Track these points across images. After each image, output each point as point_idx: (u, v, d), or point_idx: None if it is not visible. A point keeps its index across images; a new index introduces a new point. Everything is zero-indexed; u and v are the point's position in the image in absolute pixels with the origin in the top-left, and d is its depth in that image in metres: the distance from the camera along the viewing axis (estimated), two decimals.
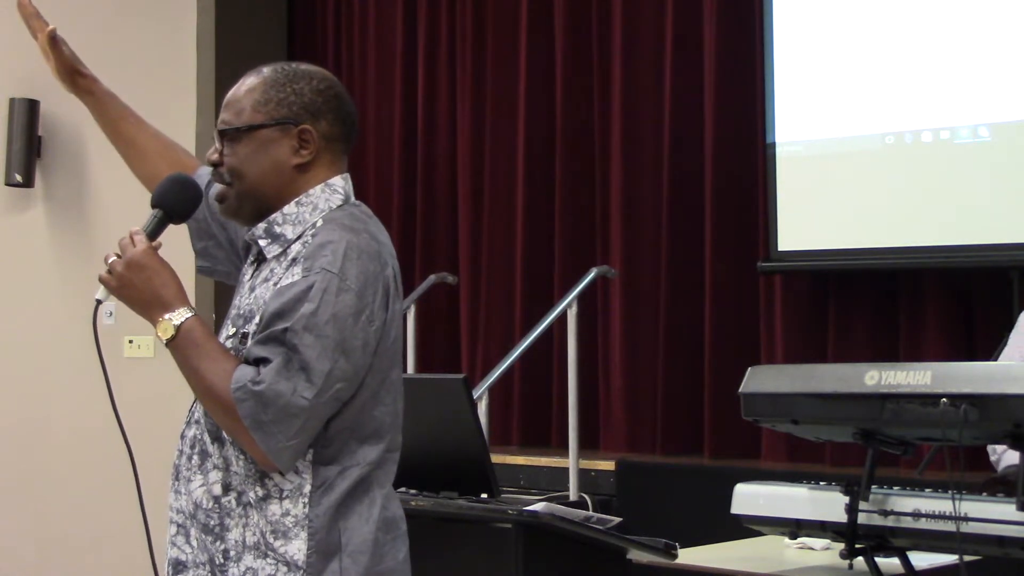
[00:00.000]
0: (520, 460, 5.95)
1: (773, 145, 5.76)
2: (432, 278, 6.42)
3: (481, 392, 5.22)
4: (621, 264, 6.14)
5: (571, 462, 5.42)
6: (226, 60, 6.90)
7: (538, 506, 3.47)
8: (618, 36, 6.37)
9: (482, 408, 5.12)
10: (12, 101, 6.85)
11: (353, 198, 2.39)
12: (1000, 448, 3.62)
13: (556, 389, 6.40)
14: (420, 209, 7.10)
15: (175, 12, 7.00)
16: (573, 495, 5.37)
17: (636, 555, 3.61)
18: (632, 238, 6.27)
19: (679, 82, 6.17)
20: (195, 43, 6.94)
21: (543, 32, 6.71)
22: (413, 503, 3.62)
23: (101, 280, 2.30)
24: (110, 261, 2.30)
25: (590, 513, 3.67)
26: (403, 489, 3.68)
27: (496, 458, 4.18)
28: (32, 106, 6.87)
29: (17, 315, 6.73)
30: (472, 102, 6.92)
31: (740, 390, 3.05)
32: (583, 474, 5.48)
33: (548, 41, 6.70)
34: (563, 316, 5.53)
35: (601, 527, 3.53)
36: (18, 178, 7.03)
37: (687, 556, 3.56)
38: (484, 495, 3.56)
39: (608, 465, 5.70)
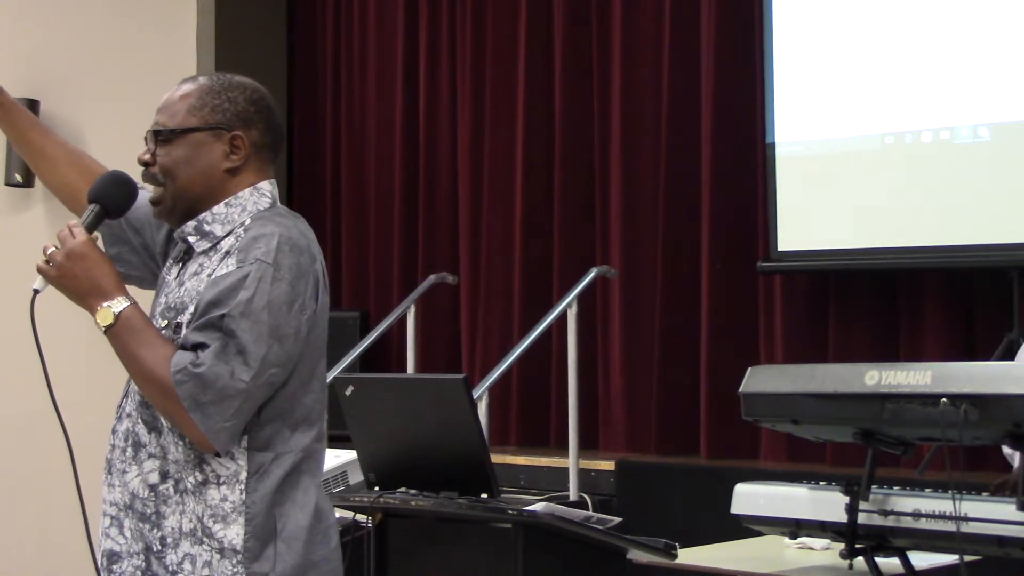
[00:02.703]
0: (520, 460, 5.94)
1: (773, 145, 5.76)
2: (432, 278, 6.42)
3: (481, 392, 5.22)
4: (621, 264, 6.13)
5: (571, 462, 5.42)
6: (226, 61, 6.90)
7: (538, 506, 3.47)
8: (617, 36, 6.37)
9: (482, 408, 5.12)
10: None
11: (279, 203, 2.50)
12: None
13: (555, 389, 6.40)
14: (421, 209, 7.10)
15: (175, 13, 7.00)
16: (573, 495, 5.37)
17: (636, 555, 3.61)
18: (632, 238, 6.27)
19: (679, 82, 6.17)
20: (195, 44, 6.95)
21: (543, 33, 6.70)
22: (413, 503, 3.62)
23: (40, 270, 2.41)
24: (49, 252, 2.39)
25: (590, 513, 3.68)
26: (403, 489, 3.68)
27: (496, 458, 4.17)
28: (32, 106, 6.87)
29: (17, 315, 6.72)
30: (472, 102, 6.91)
31: (740, 390, 3.05)
32: (583, 474, 5.48)
33: (548, 41, 6.69)
34: (563, 316, 5.53)
35: (601, 527, 3.53)
36: (18, 178, 7.04)
37: (687, 556, 3.56)
38: (484, 495, 3.56)
39: (608, 465, 5.70)
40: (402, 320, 6.34)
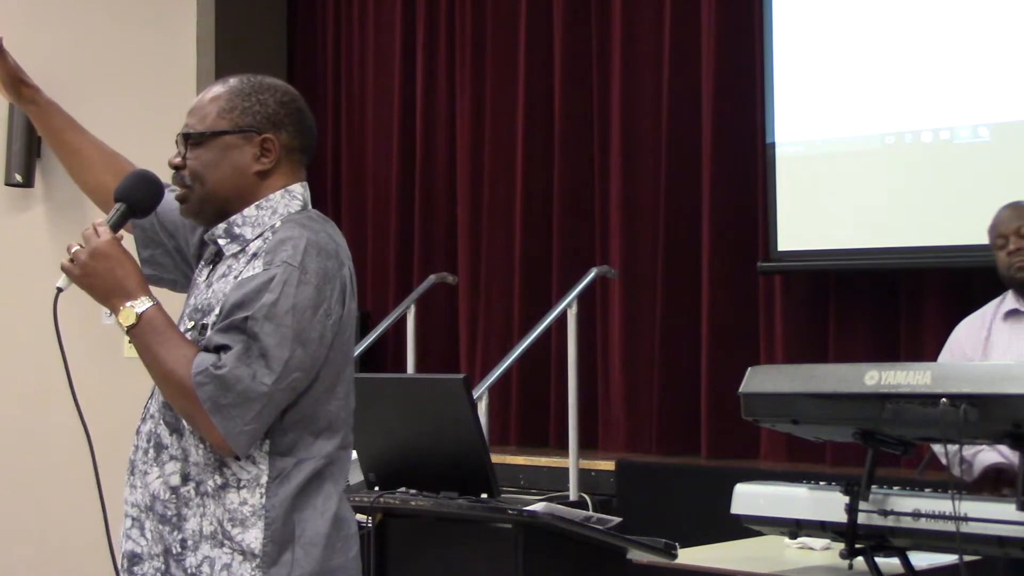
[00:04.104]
0: (520, 460, 5.95)
1: (773, 145, 5.76)
2: (432, 278, 6.42)
3: (481, 392, 5.22)
4: (621, 264, 6.14)
5: (571, 462, 5.42)
6: (226, 62, 6.90)
7: (538, 506, 3.47)
8: (617, 36, 6.37)
9: (482, 408, 5.12)
10: None
11: (310, 205, 2.48)
12: (968, 454, 3.62)
13: (555, 389, 6.40)
14: (419, 209, 7.10)
15: (175, 14, 7.00)
16: (573, 495, 5.37)
17: (636, 555, 3.61)
18: (632, 238, 6.27)
19: (678, 82, 6.17)
20: (195, 45, 6.94)
21: (542, 32, 6.70)
22: (413, 503, 3.62)
23: (64, 268, 2.37)
24: (73, 250, 2.37)
25: (590, 513, 3.68)
26: (403, 489, 3.68)
27: (496, 458, 4.18)
28: None
29: (17, 315, 6.73)
30: (471, 102, 6.92)
31: (740, 390, 3.05)
32: (583, 474, 5.48)
33: (547, 41, 6.70)
34: (563, 316, 5.53)
35: (601, 527, 3.53)
36: (18, 178, 7.03)
37: (687, 556, 3.56)
38: (484, 495, 3.56)
39: (608, 465, 5.70)
40: (401, 320, 6.34)
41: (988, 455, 3.58)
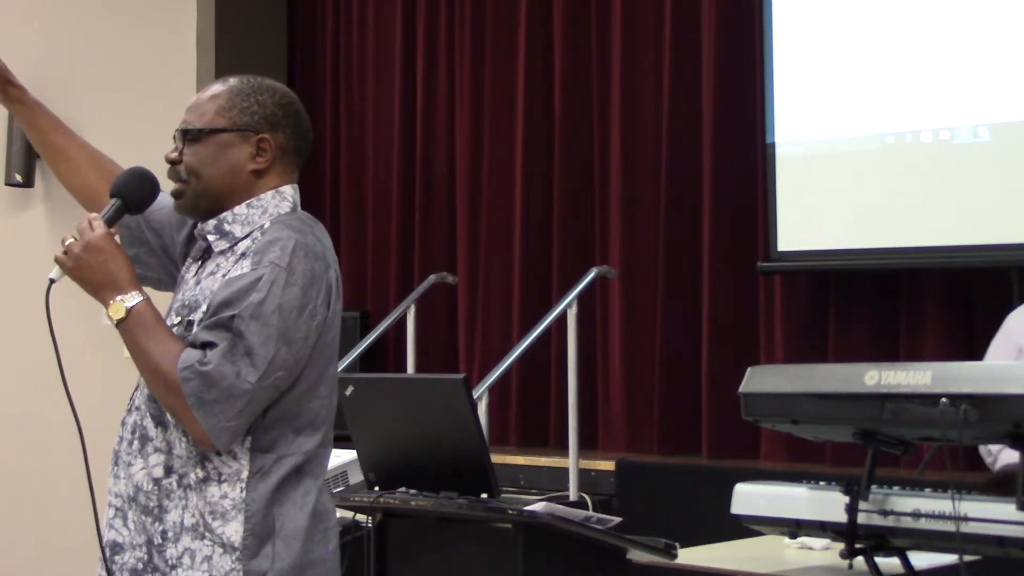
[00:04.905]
0: (520, 460, 5.94)
1: (773, 145, 5.76)
2: (432, 278, 6.41)
3: (481, 392, 5.22)
4: (621, 264, 6.13)
5: (571, 462, 5.42)
6: (226, 62, 6.91)
7: (538, 506, 3.47)
8: (617, 36, 6.37)
9: (482, 408, 5.12)
10: None
11: (300, 208, 2.52)
12: (995, 448, 3.62)
13: (555, 389, 6.40)
14: (419, 209, 7.10)
15: (175, 14, 7.00)
16: (573, 495, 5.37)
17: (636, 555, 3.61)
18: (632, 238, 6.27)
19: (678, 82, 6.17)
20: (195, 45, 6.95)
21: (542, 32, 6.70)
22: (413, 503, 3.62)
23: (57, 260, 2.42)
24: (67, 243, 2.42)
25: (590, 513, 3.68)
26: (403, 489, 3.68)
27: (496, 458, 4.17)
28: None
29: (17, 315, 6.73)
30: (471, 102, 6.91)
31: (740, 390, 3.05)
32: (583, 474, 5.48)
33: (547, 41, 6.69)
34: (563, 316, 5.53)
35: (601, 527, 3.53)
36: (18, 178, 7.04)
37: (687, 556, 3.56)
38: (484, 495, 3.56)
39: (608, 465, 5.70)
40: (401, 320, 6.33)
41: (1012, 451, 3.57)
